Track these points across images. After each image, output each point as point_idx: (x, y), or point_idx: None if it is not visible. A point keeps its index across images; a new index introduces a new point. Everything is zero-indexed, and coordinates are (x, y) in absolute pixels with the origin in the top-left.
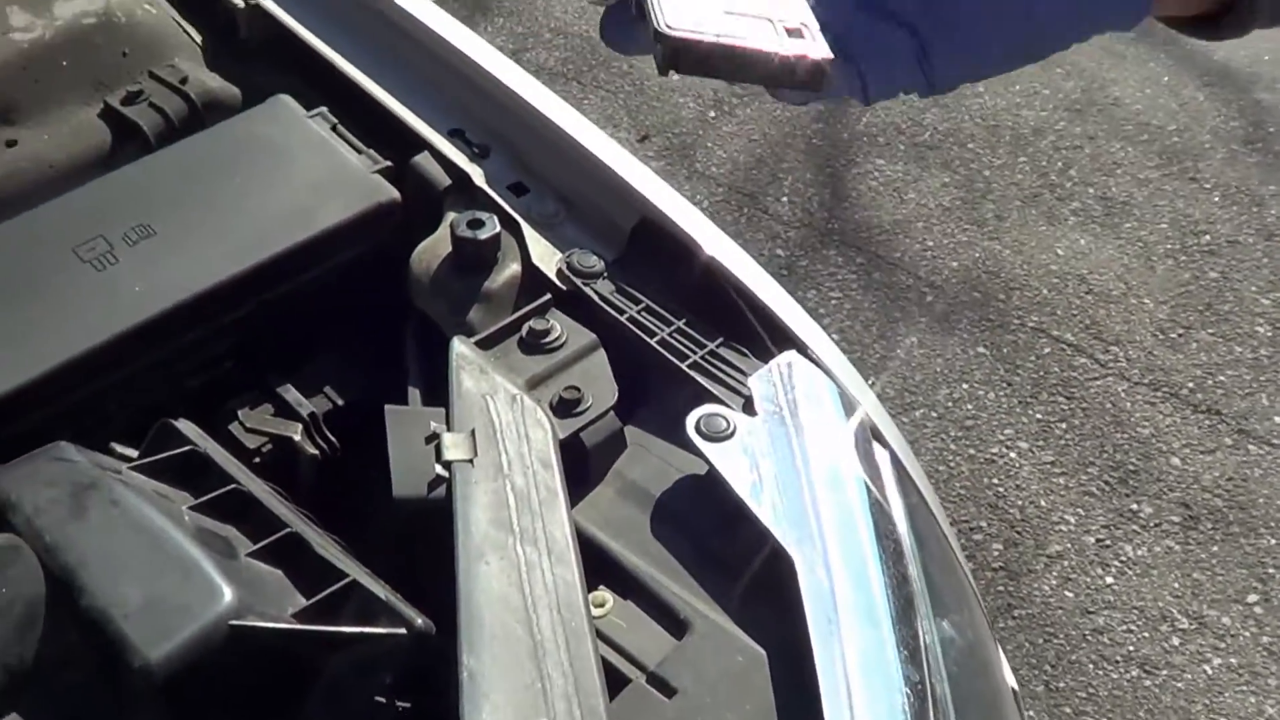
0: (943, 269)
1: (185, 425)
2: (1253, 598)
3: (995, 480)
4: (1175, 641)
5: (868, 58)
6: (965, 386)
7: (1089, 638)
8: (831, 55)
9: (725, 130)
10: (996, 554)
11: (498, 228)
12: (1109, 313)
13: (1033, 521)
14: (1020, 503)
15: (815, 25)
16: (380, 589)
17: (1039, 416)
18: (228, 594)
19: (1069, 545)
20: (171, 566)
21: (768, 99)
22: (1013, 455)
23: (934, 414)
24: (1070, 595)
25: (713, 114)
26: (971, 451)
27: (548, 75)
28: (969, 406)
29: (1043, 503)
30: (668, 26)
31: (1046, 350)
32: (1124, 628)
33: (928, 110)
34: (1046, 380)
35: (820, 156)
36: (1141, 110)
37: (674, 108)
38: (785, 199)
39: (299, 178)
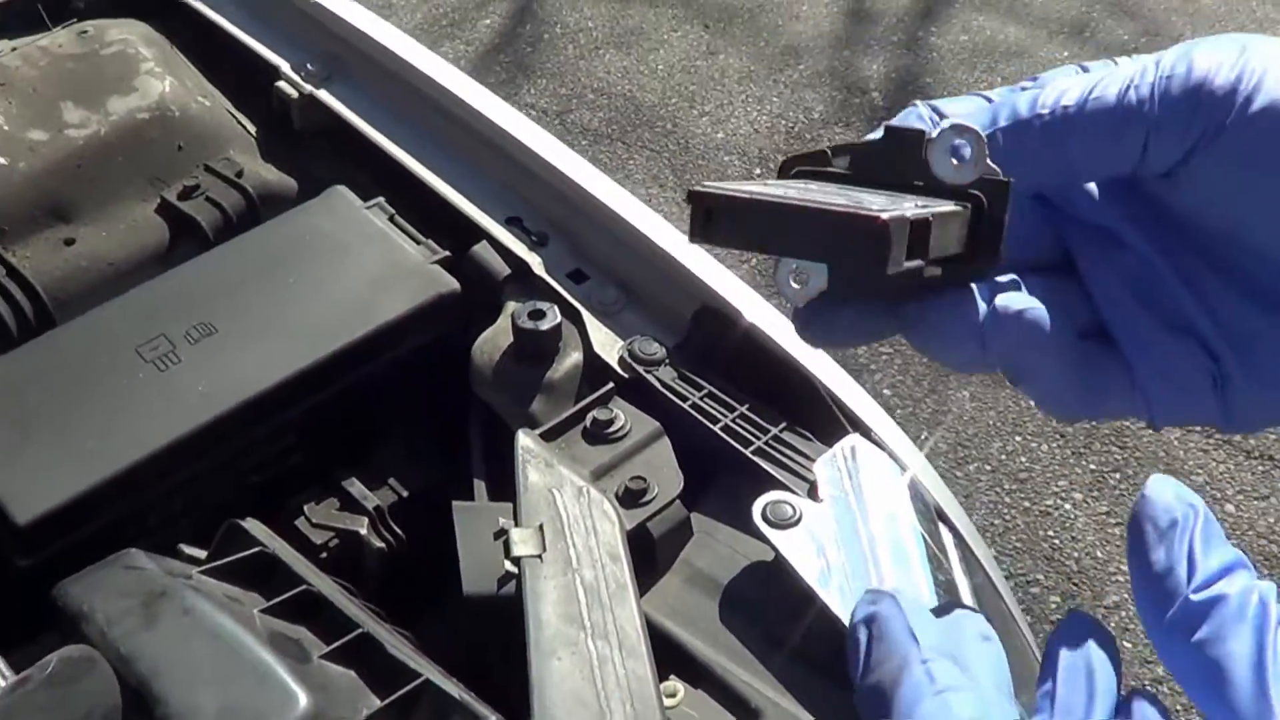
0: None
1: (253, 525)
2: None
3: (1051, 532)
4: None
5: (1152, 378)
6: (1019, 439)
7: (1149, 687)
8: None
9: None
10: (1054, 606)
11: (559, 318)
12: None
13: (1089, 573)
14: (1076, 554)
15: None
16: (454, 688)
17: (1092, 467)
18: (302, 700)
19: (1126, 595)
20: (245, 673)
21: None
22: (1068, 507)
23: (988, 467)
24: (1129, 645)
25: (759, 171)
26: (1026, 504)
27: (592, 136)
28: (1023, 459)
29: (1099, 554)
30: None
31: None
32: None
33: None
34: (1098, 430)
35: None
36: None
37: (720, 166)
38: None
39: (358, 270)
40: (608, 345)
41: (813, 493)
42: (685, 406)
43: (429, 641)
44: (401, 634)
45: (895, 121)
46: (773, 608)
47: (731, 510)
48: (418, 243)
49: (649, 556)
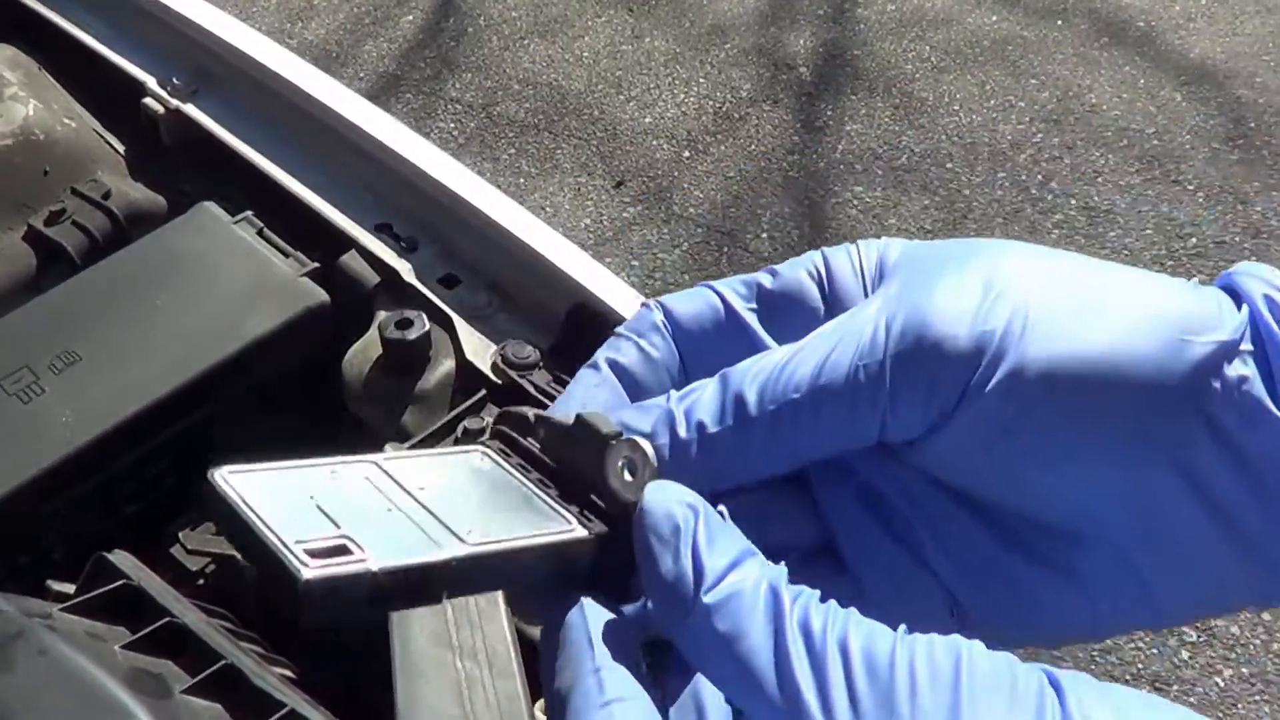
0: None
1: (120, 557)
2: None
3: None
4: (1185, 655)
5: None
6: None
7: (1097, 659)
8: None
9: (700, 169)
10: None
11: (426, 326)
12: None
13: None
14: None
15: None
16: (319, 716)
17: None
18: None
19: None
20: (102, 715)
21: (741, 135)
22: None
23: None
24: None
25: (687, 154)
26: None
27: (519, 127)
28: None
29: None
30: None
31: None
32: (1131, 645)
33: (904, 133)
34: None
35: (798, 189)
36: (1119, 115)
37: (648, 151)
38: (765, 235)
39: (226, 287)
40: (481, 351)
41: None
42: None
43: (312, 667)
44: (277, 662)
45: (587, 414)
46: None
47: None
48: (286, 255)
49: None
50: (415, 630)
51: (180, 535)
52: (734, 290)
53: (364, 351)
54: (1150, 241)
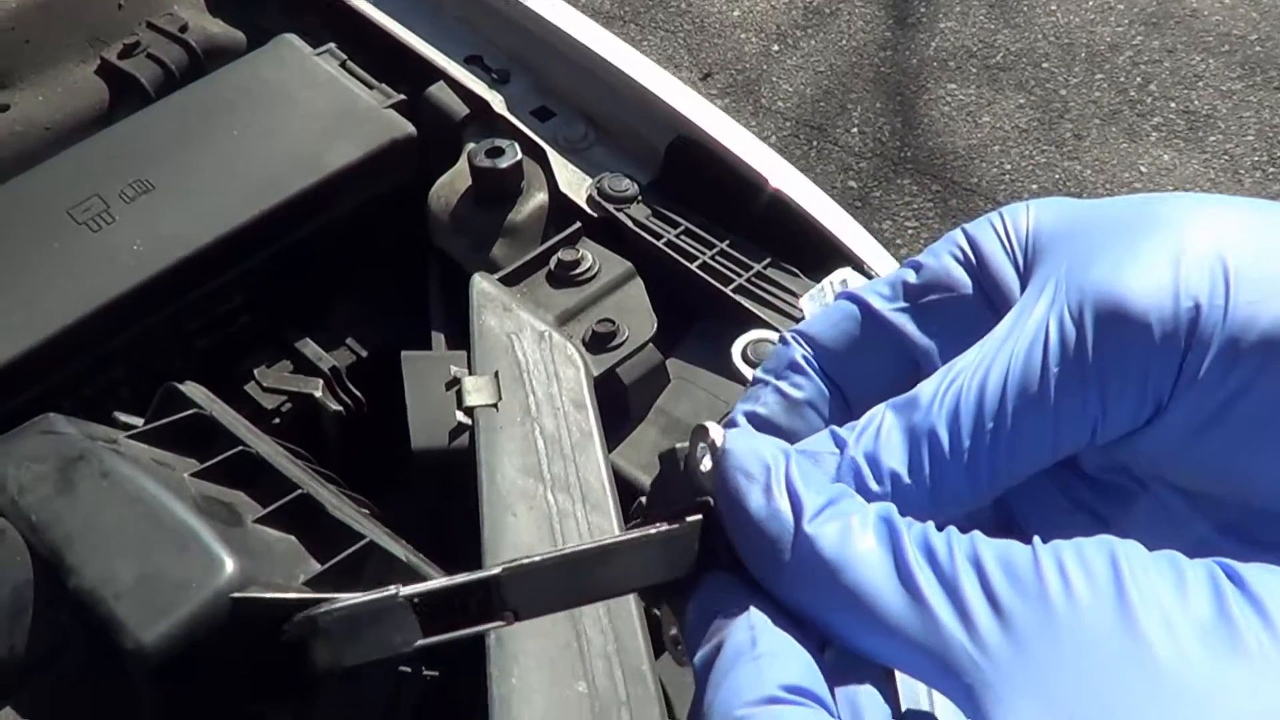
0: (1022, 192)
1: (191, 388)
2: None
3: None
4: None
5: None
6: None
7: None
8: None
9: (790, 63)
10: None
11: (519, 155)
12: None
13: None
14: None
15: None
16: (401, 550)
17: None
18: (229, 565)
19: None
20: (167, 539)
21: (831, 30)
22: None
23: None
24: None
25: (776, 48)
26: None
27: (604, 18)
28: None
29: None
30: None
31: None
32: None
33: (999, 31)
34: None
35: (889, 84)
36: (1220, 20)
37: (736, 44)
38: (855, 130)
39: (306, 119)
40: (575, 184)
41: None
42: (659, 245)
43: (394, 509)
44: (355, 498)
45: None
46: None
47: (711, 353)
48: (370, 88)
49: (620, 404)
50: (504, 463)
51: (255, 372)
52: (877, 295)
53: (452, 183)
54: (1251, 148)
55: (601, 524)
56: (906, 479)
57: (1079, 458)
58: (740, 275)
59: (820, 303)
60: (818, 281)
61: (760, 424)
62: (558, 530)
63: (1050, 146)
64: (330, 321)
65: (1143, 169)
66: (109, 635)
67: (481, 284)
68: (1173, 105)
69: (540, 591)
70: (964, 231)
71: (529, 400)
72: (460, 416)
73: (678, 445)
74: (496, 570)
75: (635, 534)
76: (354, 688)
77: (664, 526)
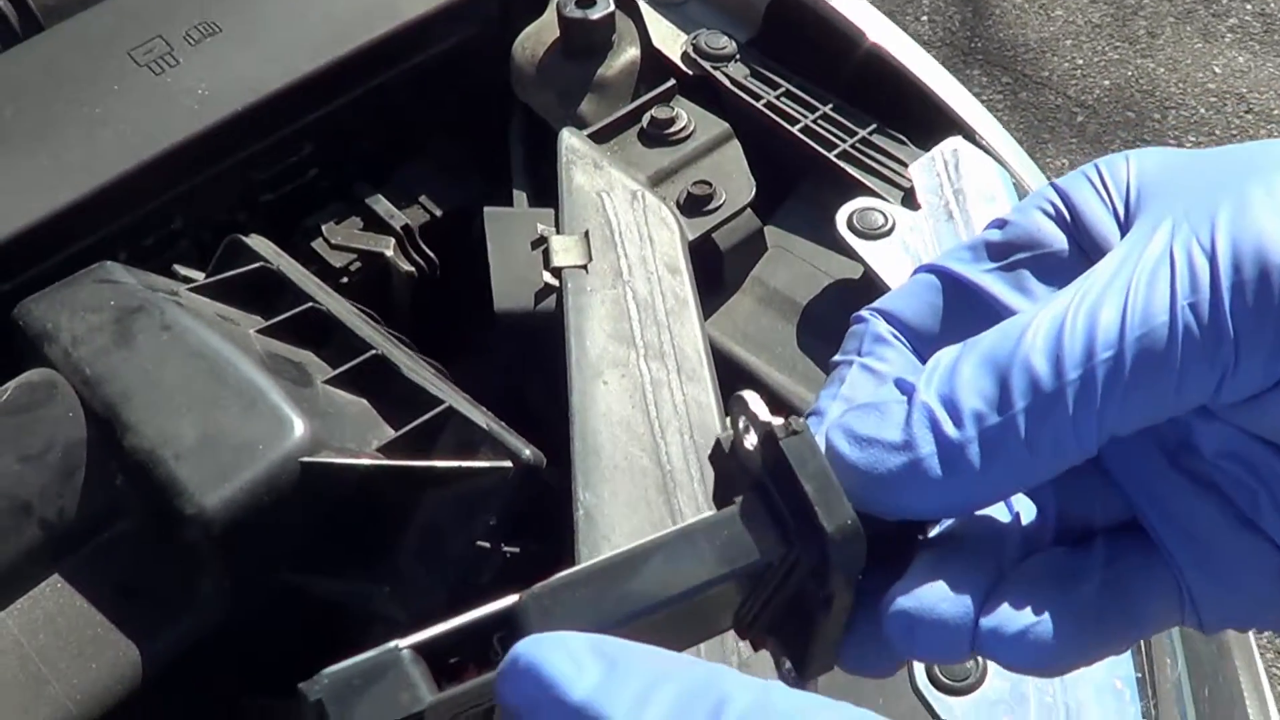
0: (1094, 88)
1: (257, 241)
2: None
3: None
4: None
5: (1209, 582)
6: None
7: None
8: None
9: None
10: None
11: (611, 6)
12: (1270, 133)
13: None
14: None
15: None
16: (482, 417)
17: None
18: (299, 426)
19: None
20: (232, 397)
21: None
22: None
23: None
24: None
25: None
26: None
27: None
28: None
29: None
30: None
31: None
32: None
33: None
34: None
35: None
36: None
37: None
38: (925, 18)
39: None
40: (670, 39)
41: (908, 200)
42: (759, 106)
43: (462, 374)
44: (430, 364)
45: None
46: None
47: (812, 221)
48: None
49: (715, 272)
50: (594, 327)
51: (323, 228)
52: (959, 261)
53: (538, 34)
54: None
55: (698, 396)
56: (995, 417)
57: (1194, 435)
58: (844, 141)
59: (931, 172)
60: (926, 150)
61: (846, 407)
62: (650, 400)
63: (1123, 43)
64: (403, 178)
65: (1216, 70)
66: (167, 499)
67: (570, 139)
68: (1249, 7)
69: (575, 614)
70: (1054, 186)
71: (620, 263)
72: (547, 277)
73: (720, 435)
74: (514, 600)
75: (676, 528)
76: (431, 562)
77: (711, 514)
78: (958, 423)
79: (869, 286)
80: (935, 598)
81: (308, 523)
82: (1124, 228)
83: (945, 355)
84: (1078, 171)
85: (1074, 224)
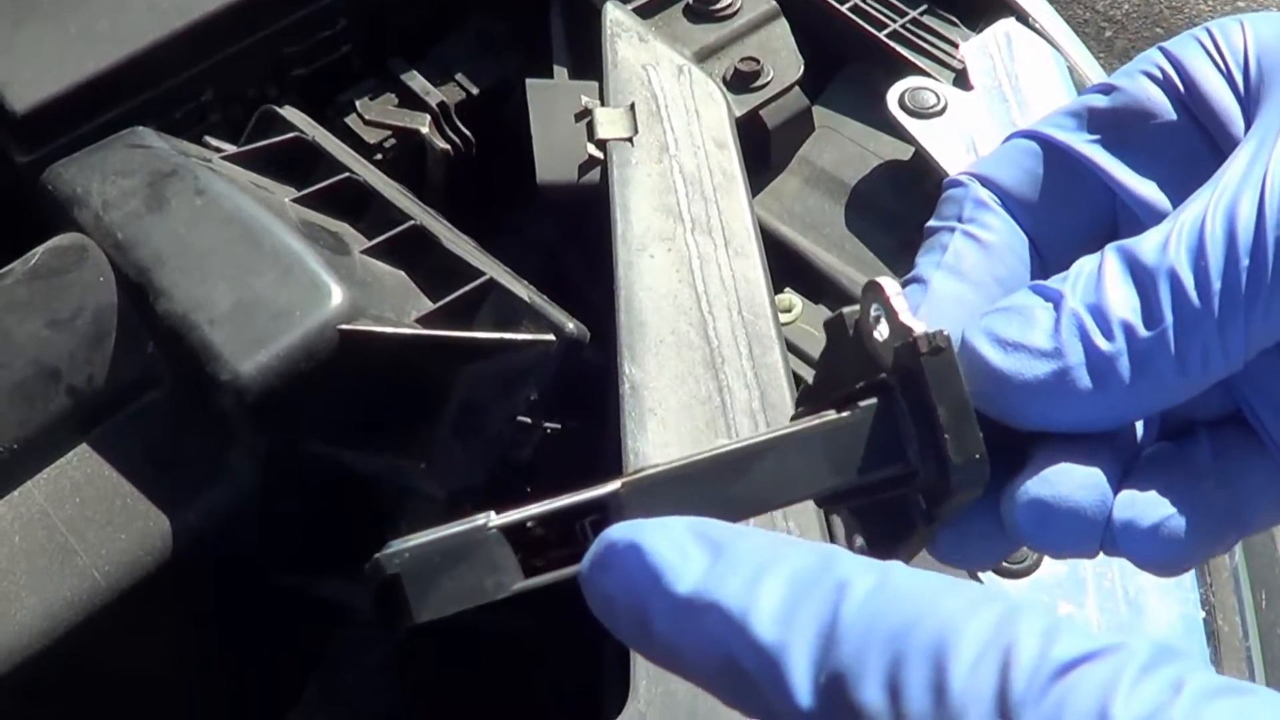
0: (1122, 3)
1: (291, 112)
2: None
3: None
4: None
5: None
6: None
7: None
8: None
9: None
10: None
11: None
12: None
13: None
14: None
15: None
16: (523, 289)
17: None
18: (337, 294)
19: None
20: (268, 263)
21: None
22: None
23: None
24: None
25: None
26: None
27: None
28: None
29: None
30: None
31: None
32: None
33: None
34: None
35: None
36: None
37: None
38: None
39: None
40: None
41: (960, 81)
42: None
43: (501, 259)
44: (466, 239)
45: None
46: (909, 213)
47: (861, 101)
48: None
49: (762, 151)
50: (639, 200)
51: (357, 104)
52: (1061, 128)
53: None
54: None
55: (746, 271)
56: (1143, 331)
57: None
58: (895, 20)
59: (984, 53)
60: (978, 31)
61: (952, 276)
62: (698, 275)
63: None
64: (439, 55)
65: None
66: (201, 365)
67: (615, 12)
68: None
69: (677, 509)
70: (1163, 51)
71: (667, 136)
72: (591, 150)
73: (845, 310)
74: (615, 487)
75: (792, 428)
76: (469, 437)
77: (831, 415)
78: (1107, 334)
79: (919, 167)
80: (1071, 485)
81: (344, 394)
82: (1242, 100)
83: (1088, 263)
84: (1187, 36)
85: (1187, 93)
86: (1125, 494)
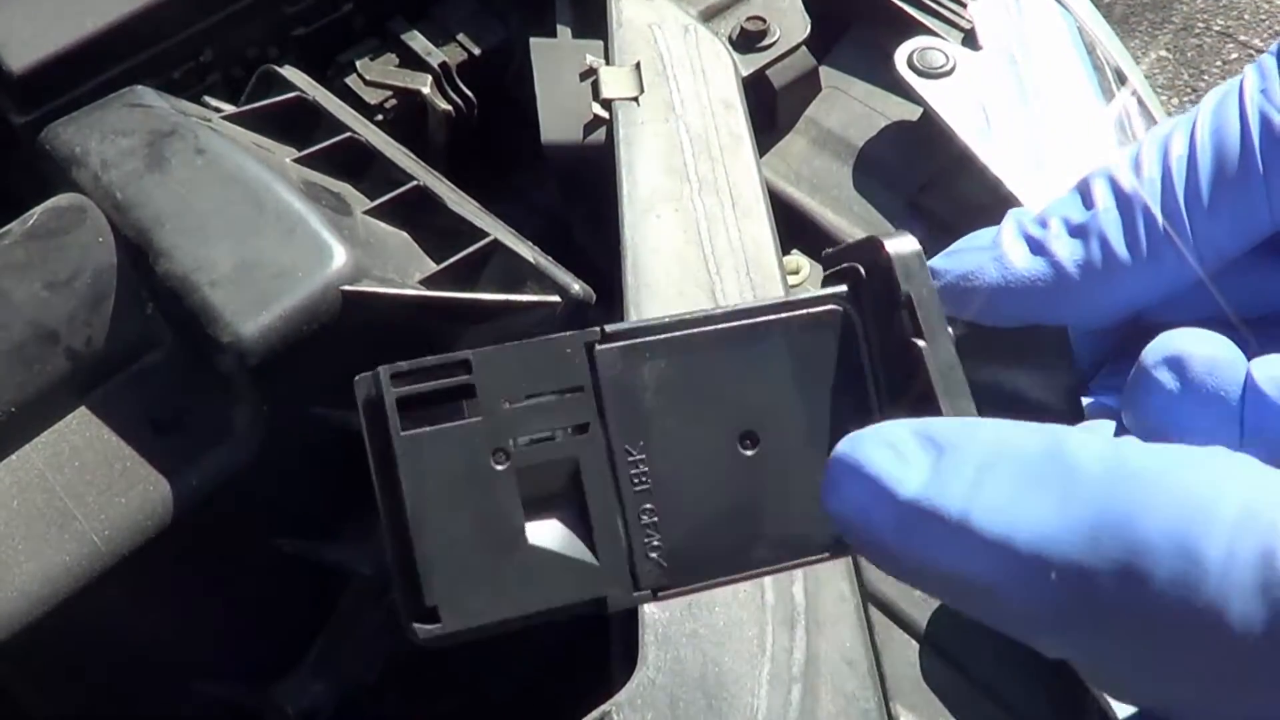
0: None
1: (291, 72)
2: None
3: None
4: None
5: None
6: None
7: None
8: None
9: None
10: None
11: None
12: None
13: None
14: None
15: None
16: (529, 251)
17: None
18: (339, 255)
19: None
20: (270, 224)
21: None
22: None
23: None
24: None
25: None
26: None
27: None
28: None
29: None
30: None
31: (1234, 56)
32: None
33: None
34: None
35: None
36: None
37: None
38: None
39: None
40: None
41: (969, 41)
42: None
43: (504, 221)
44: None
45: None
46: (917, 174)
47: (869, 62)
48: None
49: (769, 111)
50: (646, 160)
51: (357, 65)
52: None
53: None
54: None
55: (755, 232)
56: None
57: None
58: None
59: (994, 13)
60: None
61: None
62: (705, 236)
63: None
64: (441, 15)
65: None
66: (202, 326)
67: None
68: None
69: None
70: None
71: (673, 96)
72: (596, 109)
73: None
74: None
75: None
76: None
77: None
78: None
79: (927, 128)
80: (1204, 337)
81: (347, 355)
82: None
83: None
84: None
85: None
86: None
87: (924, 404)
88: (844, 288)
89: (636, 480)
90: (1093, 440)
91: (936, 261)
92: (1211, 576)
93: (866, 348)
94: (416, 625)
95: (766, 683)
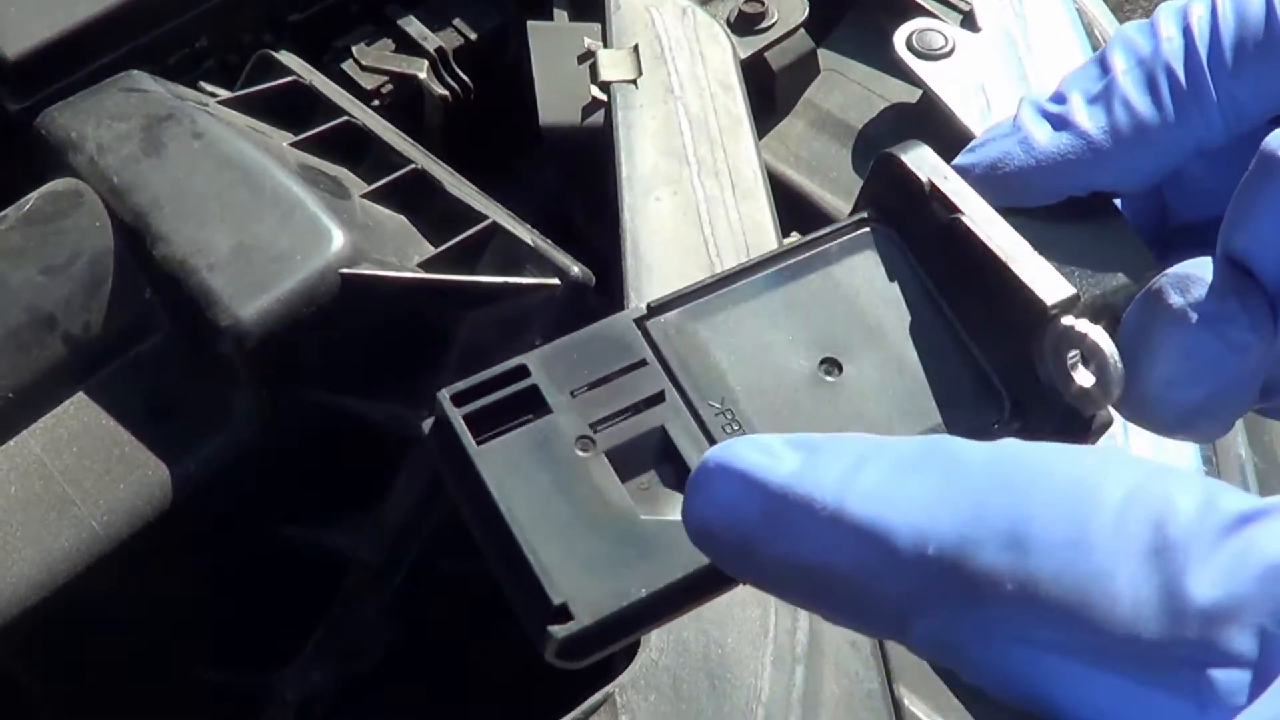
0: None
1: (287, 57)
2: None
3: None
4: None
5: None
6: None
7: None
8: None
9: None
10: None
11: None
12: None
13: None
14: None
15: None
16: (527, 233)
17: None
18: (338, 237)
19: None
20: (268, 207)
21: None
22: None
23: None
24: None
25: None
26: None
27: None
28: None
29: None
30: None
31: None
32: None
33: None
34: None
35: None
36: None
37: None
38: None
39: None
40: None
41: (968, 23)
42: None
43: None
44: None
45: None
46: None
47: (868, 44)
48: None
49: (767, 94)
50: (644, 143)
51: (353, 50)
52: None
53: None
54: None
55: (754, 214)
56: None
57: None
58: None
59: None
60: None
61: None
62: (705, 218)
63: None
64: (437, 0)
65: None
66: (200, 311)
67: None
68: None
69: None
70: None
71: (672, 78)
72: (595, 92)
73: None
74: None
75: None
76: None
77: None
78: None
79: (927, 110)
80: None
81: (346, 339)
82: None
83: None
84: None
85: None
86: None
87: (982, 274)
88: (865, 213)
89: (729, 429)
90: (976, 443)
91: (961, 159)
92: (1100, 540)
93: (910, 255)
94: (551, 629)
95: (770, 664)
